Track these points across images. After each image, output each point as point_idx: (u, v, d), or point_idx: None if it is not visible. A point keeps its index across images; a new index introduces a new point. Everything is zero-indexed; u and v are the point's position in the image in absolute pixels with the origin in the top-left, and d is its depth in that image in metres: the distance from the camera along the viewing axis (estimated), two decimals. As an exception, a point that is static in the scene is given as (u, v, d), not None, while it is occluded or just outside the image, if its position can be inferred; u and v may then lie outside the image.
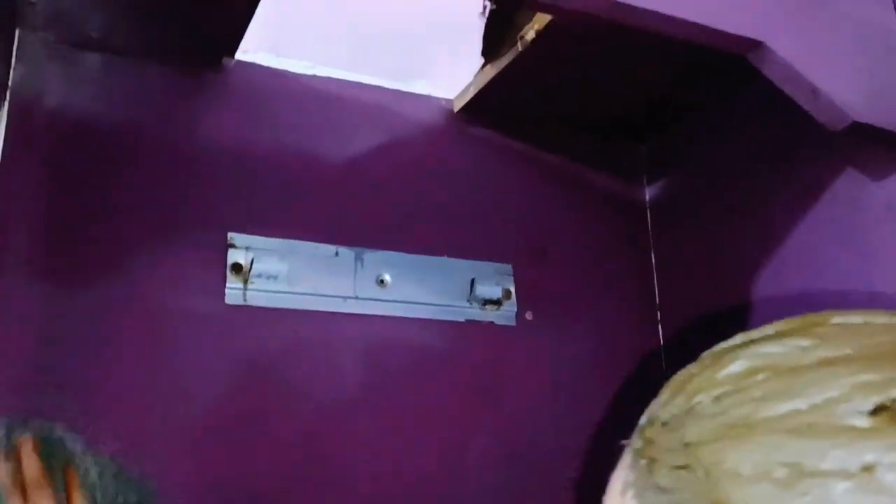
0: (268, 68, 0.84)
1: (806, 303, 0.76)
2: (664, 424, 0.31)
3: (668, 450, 0.30)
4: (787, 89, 0.63)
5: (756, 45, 0.62)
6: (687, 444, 0.29)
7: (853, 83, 0.64)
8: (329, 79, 0.86)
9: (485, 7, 0.80)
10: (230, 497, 0.72)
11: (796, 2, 0.65)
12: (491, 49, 0.83)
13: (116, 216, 0.73)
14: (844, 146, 0.72)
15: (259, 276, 0.76)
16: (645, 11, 0.58)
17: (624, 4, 0.58)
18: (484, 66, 0.86)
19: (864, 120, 0.63)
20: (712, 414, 0.30)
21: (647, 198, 0.97)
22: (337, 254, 0.81)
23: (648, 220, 0.96)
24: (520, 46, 0.79)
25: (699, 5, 0.61)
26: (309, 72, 0.86)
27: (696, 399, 0.31)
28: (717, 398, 0.30)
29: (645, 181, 0.98)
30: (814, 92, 0.63)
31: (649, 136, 0.97)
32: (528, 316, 0.87)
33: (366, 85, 0.88)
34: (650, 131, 0.96)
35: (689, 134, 0.93)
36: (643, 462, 0.31)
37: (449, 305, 0.84)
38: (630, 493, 0.30)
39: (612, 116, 0.93)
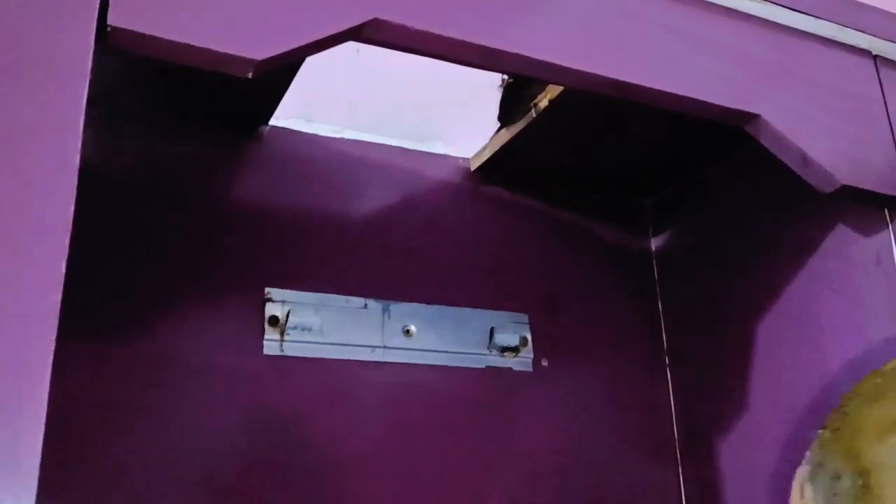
0: (300, 133, 0.91)
1: (801, 344, 0.82)
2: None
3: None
4: (781, 156, 0.70)
5: (752, 117, 0.69)
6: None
7: (840, 150, 0.71)
8: (355, 141, 0.93)
9: (503, 80, 0.87)
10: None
11: (787, 77, 0.72)
12: (507, 115, 0.90)
13: (160, 274, 0.79)
14: (834, 205, 0.78)
15: (294, 328, 0.82)
16: (646, 89, 0.65)
17: (627, 84, 0.64)
18: (499, 129, 0.92)
19: (850, 183, 0.70)
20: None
21: (653, 248, 1.03)
22: (366, 306, 0.86)
23: (655, 269, 1.02)
24: (533, 113, 0.86)
25: (698, 82, 0.67)
26: (337, 135, 0.93)
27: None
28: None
29: (650, 232, 1.04)
30: (804, 159, 0.69)
31: (654, 192, 1.04)
32: (544, 362, 0.93)
33: (389, 146, 0.95)
34: (655, 187, 1.03)
35: (691, 189, 1.00)
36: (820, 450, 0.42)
37: (470, 353, 0.90)
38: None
39: (618, 175, 1.00)
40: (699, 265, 0.97)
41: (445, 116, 0.99)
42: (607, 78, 0.63)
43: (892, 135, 0.76)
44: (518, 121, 0.88)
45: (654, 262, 1.03)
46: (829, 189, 0.70)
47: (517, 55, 0.60)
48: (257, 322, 0.82)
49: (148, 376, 0.75)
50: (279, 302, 0.83)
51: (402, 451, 0.84)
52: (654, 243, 1.04)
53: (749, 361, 0.88)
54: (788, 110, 0.70)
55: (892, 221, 0.76)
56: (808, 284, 0.83)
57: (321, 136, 0.92)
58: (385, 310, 0.87)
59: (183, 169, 0.84)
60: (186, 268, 0.80)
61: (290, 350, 0.82)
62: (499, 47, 0.59)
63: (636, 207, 1.05)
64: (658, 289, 1.01)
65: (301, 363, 0.82)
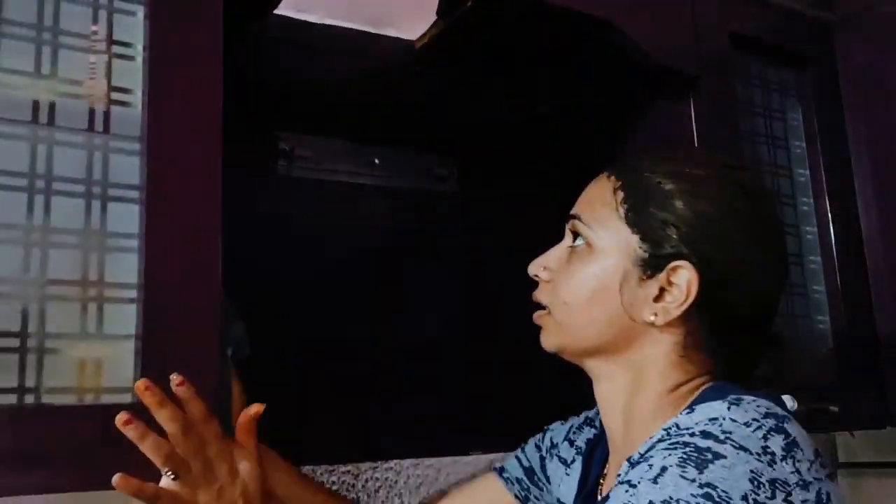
0: (292, 18, 1.25)
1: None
2: None
3: None
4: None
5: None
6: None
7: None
8: (332, 25, 1.28)
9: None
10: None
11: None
12: (444, 9, 1.26)
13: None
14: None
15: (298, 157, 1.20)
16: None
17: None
18: (437, 20, 1.29)
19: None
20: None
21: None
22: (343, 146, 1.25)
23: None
24: (462, 8, 1.23)
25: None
26: (320, 21, 1.28)
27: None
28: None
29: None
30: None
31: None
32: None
33: (357, 29, 1.30)
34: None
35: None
36: None
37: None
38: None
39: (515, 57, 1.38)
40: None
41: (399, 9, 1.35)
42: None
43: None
44: (451, 14, 1.25)
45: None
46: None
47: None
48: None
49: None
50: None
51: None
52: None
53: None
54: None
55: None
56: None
57: (310, 22, 1.27)
58: (357, 149, 1.26)
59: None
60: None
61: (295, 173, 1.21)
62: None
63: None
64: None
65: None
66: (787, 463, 0.63)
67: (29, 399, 0.70)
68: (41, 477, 0.68)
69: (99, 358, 0.73)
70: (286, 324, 1.15)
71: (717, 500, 0.59)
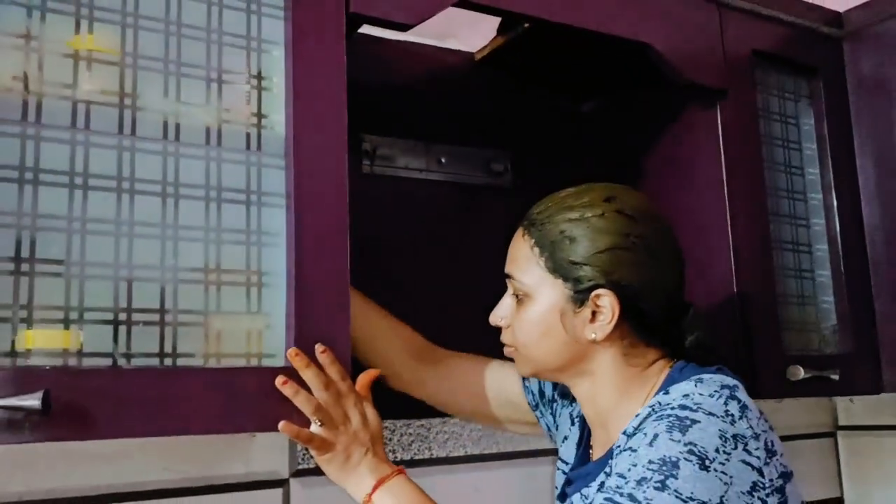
0: (372, 36, 1.44)
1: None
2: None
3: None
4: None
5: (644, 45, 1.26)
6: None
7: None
8: (405, 41, 1.47)
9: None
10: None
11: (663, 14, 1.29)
12: (503, 28, 1.45)
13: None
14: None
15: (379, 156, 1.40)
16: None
17: (560, 23, 1.21)
18: (496, 36, 1.48)
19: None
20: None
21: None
22: (414, 145, 1.44)
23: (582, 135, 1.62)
24: (519, 30, 1.41)
25: (604, 18, 1.24)
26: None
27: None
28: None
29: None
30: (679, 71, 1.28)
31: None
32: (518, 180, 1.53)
33: (425, 43, 1.49)
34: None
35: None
36: None
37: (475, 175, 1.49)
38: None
39: (565, 79, 1.57)
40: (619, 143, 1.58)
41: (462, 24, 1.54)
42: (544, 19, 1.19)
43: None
44: (509, 33, 1.44)
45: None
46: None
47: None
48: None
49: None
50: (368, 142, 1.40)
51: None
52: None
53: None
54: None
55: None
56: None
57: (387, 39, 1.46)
58: (427, 148, 1.46)
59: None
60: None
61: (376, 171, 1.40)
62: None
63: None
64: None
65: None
66: (742, 421, 0.87)
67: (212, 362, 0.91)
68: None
69: (260, 330, 0.94)
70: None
71: (698, 453, 0.82)
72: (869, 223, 1.49)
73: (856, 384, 1.44)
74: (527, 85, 1.58)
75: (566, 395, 1.15)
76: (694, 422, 0.84)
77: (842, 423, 1.87)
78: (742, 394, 0.90)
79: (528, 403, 1.18)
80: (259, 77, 0.98)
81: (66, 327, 0.84)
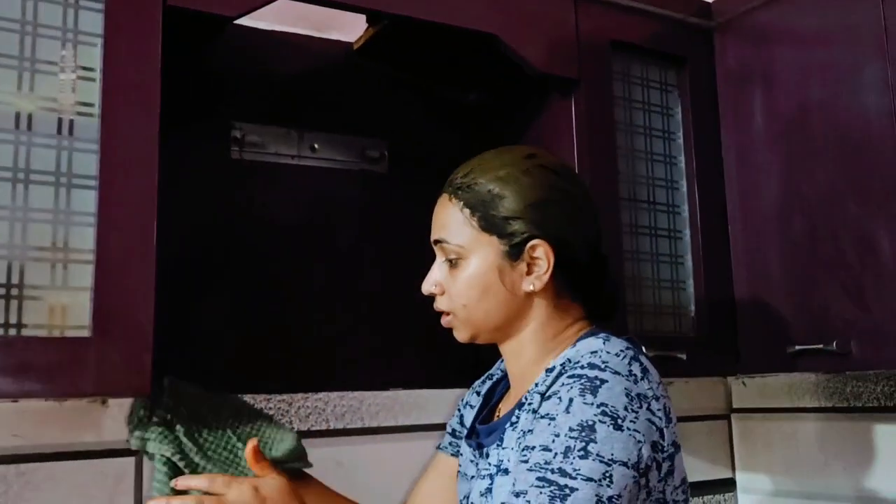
0: (244, 26, 1.50)
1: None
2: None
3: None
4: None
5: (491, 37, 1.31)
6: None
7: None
8: (279, 31, 1.53)
9: None
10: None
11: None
12: (371, 19, 1.50)
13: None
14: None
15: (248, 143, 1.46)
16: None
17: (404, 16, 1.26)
18: (367, 27, 1.53)
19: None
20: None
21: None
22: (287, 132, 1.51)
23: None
24: (385, 21, 1.46)
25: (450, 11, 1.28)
26: (268, 27, 1.52)
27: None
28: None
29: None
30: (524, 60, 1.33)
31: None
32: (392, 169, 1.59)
33: (302, 34, 1.55)
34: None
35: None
36: None
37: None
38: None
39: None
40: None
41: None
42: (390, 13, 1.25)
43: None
44: (376, 24, 1.49)
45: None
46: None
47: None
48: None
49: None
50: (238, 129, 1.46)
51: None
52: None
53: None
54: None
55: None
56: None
57: (261, 29, 1.52)
58: (300, 135, 1.52)
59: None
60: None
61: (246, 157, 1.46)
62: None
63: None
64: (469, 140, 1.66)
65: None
66: (644, 381, 0.91)
67: (12, 332, 0.98)
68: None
69: (64, 304, 1.01)
70: (239, 278, 1.43)
71: (610, 413, 0.87)
72: (731, 211, 1.53)
73: (709, 365, 1.48)
74: (415, 76, 1.63)
75: (470, 392, 1.22)
76: (602, 381, 0.89)
77: (735, 405, 1.91)
78: (643, 358, 0.95)
79: (453, 455, 1.20)
80: (82, 68, 1.05)
81: None
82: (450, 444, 1.23)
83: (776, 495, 1.79)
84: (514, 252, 1.00)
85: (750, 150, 1.51)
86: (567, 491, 0.83)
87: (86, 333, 1.00)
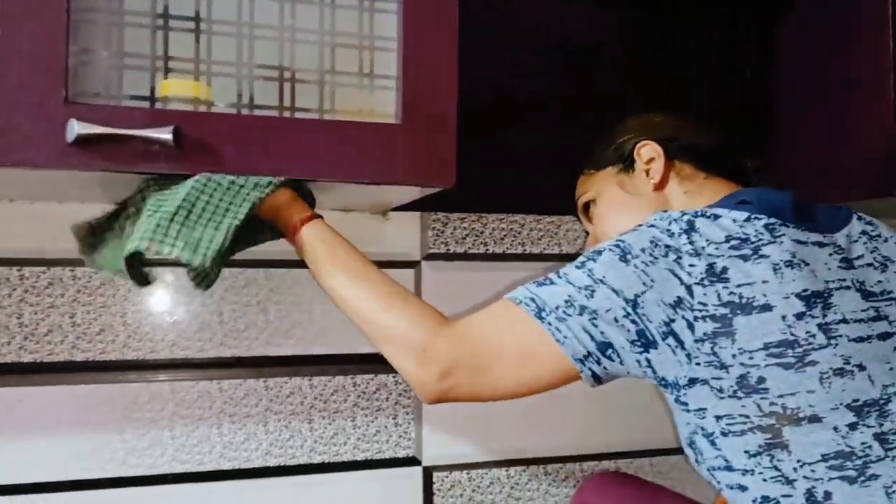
0: None
1: None
2: None
3: None
4: None
5: None
6: None
7: None
8: None
9: None
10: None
11: None
12: None
13: None
14: None
15: None
16: None
17: None
18: None
19: None
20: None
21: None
22: None
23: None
24: None
25: None
26: None
27: None
28: None
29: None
30: None
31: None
32: None
33: None
34: None
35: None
36: None
37: None
38: None
39: None
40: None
41: None
42: None
43: None
44: None
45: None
46: None
47: None
48: None
49: None
50: None
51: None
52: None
53: None
54: None
55: None
56: None
57: None
58: None
59: None
60: None
61: None
62: None
63: None
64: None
65: None
66: (683, 237, 0.85)
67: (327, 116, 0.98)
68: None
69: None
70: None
71: (622, 248, 0.86)
72: None
73: None
74: None
75: None
76: (637, 227, 0.89)
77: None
78: (703, 220, 0.87)
79: None
80: None
81: (196, 78, 0.94)
82: None
83: None
84: (627, 164, 1.08)
85: None
86: (546, 282, 0.88)
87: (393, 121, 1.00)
